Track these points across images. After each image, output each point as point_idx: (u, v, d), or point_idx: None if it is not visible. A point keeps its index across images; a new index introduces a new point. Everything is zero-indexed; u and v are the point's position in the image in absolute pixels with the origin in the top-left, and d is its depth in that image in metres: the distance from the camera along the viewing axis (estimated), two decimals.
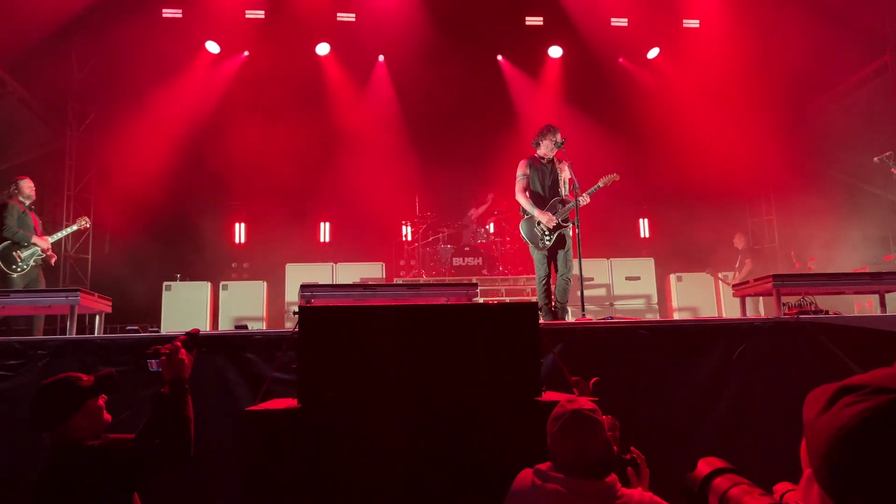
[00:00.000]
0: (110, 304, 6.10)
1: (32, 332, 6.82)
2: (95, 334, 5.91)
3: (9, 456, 4.00)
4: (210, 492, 4.04)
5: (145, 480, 2.74)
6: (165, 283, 8.60)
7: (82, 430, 2.65)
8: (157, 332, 6.07)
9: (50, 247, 7.11)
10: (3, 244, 6.82)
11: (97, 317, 6.21)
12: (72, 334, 5.21)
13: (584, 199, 6.20)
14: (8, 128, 10.25)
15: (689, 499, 1.47)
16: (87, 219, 7.63)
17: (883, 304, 6.02)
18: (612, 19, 11.82)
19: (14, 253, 6.85)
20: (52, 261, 7.24)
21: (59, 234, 7.42)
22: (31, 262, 6.94)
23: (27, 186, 7.19)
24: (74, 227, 7.55)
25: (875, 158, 7.12)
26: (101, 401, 2.76)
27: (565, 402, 2.42)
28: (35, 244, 6.96)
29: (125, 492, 2.64)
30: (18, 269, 6.82)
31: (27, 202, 7.16)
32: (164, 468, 2.75)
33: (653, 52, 12.47)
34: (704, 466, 1.47)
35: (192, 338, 3.01)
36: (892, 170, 7.02)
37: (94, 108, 11.73)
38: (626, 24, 11.87)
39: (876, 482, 0.90)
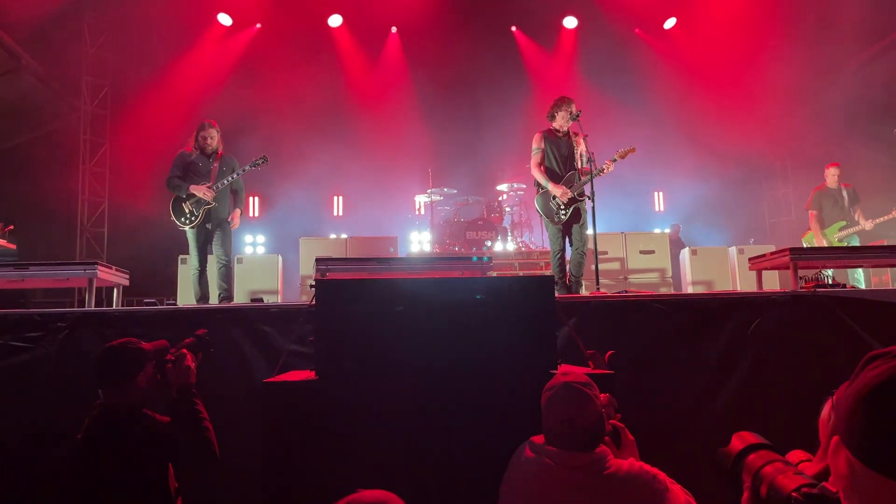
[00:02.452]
0: (128, 277, 6.15)
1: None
2: (114, 307, 5.97)
3: (31, 425, 4.06)
4: (226, 463, 4.09)
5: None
6: (181, 257, 8.62)
7: (140, 391, 2.78)
8: (174, 304, 6.12)
9: (205, 192, 6.28)
10: (174, 197, 6.36)
11: (115, 290, 6.28)
12: (90, 307, 5.27)
13: (608, 168, 6.17)
14: (23, 102, 10.29)
15: (721, 474, 1.42)
16: (265, 157, 6.53)
17: None
18: None
19: (182, 204, 6.35)
20: (208, 197, 6.29)
21: (235, 174, 6.44)
22: (200, 214, 6.33)
23: (200, 135, 6.45)
24: (248, 167, 6.49)
25: (895, 129, 7.02)
26: (152, 367, 2.87)
27: (560, 374, 2.43)
28: (191, 192, 6.29)
29: (161, 464, 2.73)
30: (188, 222, 6.35)
31: (208, 150, 6.44)
32: (194, 467, 2.85)
33: (669, 23, 12.28)
34: (738, 442, 1.41)
35: (199, 339, 3.05)
36: None
37: (108, 81, 11.75)
38: None
39: None
